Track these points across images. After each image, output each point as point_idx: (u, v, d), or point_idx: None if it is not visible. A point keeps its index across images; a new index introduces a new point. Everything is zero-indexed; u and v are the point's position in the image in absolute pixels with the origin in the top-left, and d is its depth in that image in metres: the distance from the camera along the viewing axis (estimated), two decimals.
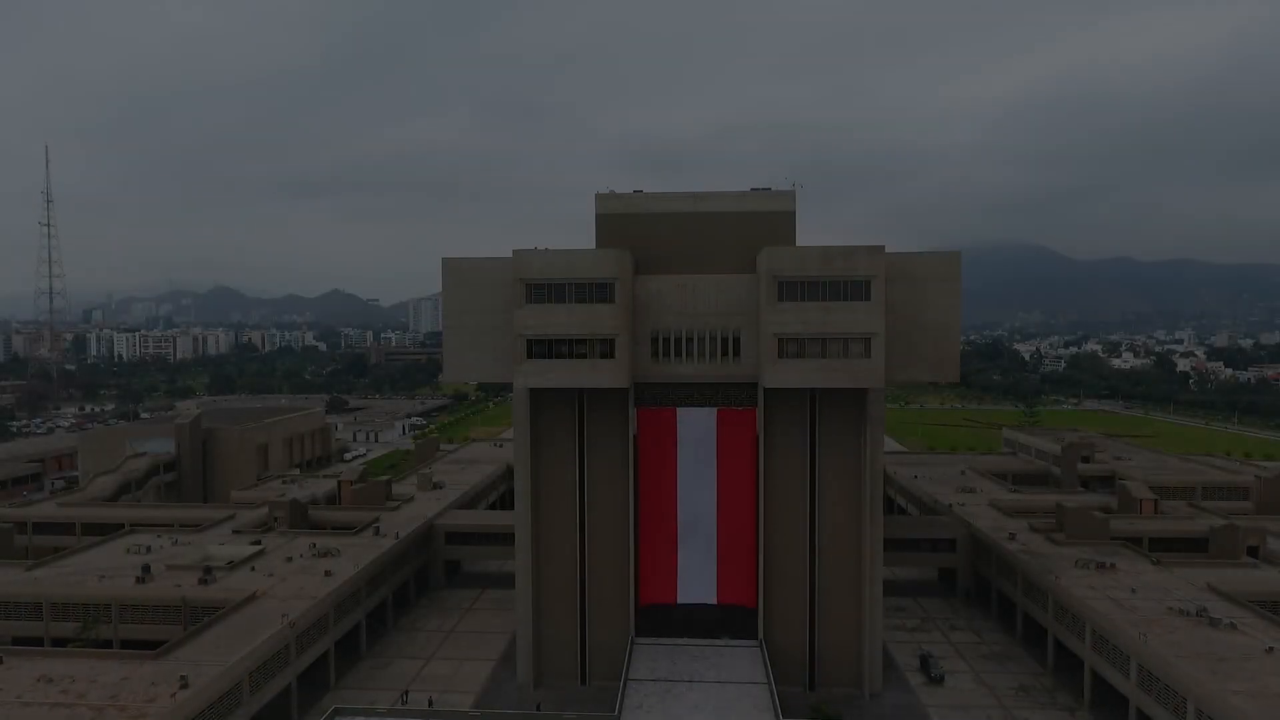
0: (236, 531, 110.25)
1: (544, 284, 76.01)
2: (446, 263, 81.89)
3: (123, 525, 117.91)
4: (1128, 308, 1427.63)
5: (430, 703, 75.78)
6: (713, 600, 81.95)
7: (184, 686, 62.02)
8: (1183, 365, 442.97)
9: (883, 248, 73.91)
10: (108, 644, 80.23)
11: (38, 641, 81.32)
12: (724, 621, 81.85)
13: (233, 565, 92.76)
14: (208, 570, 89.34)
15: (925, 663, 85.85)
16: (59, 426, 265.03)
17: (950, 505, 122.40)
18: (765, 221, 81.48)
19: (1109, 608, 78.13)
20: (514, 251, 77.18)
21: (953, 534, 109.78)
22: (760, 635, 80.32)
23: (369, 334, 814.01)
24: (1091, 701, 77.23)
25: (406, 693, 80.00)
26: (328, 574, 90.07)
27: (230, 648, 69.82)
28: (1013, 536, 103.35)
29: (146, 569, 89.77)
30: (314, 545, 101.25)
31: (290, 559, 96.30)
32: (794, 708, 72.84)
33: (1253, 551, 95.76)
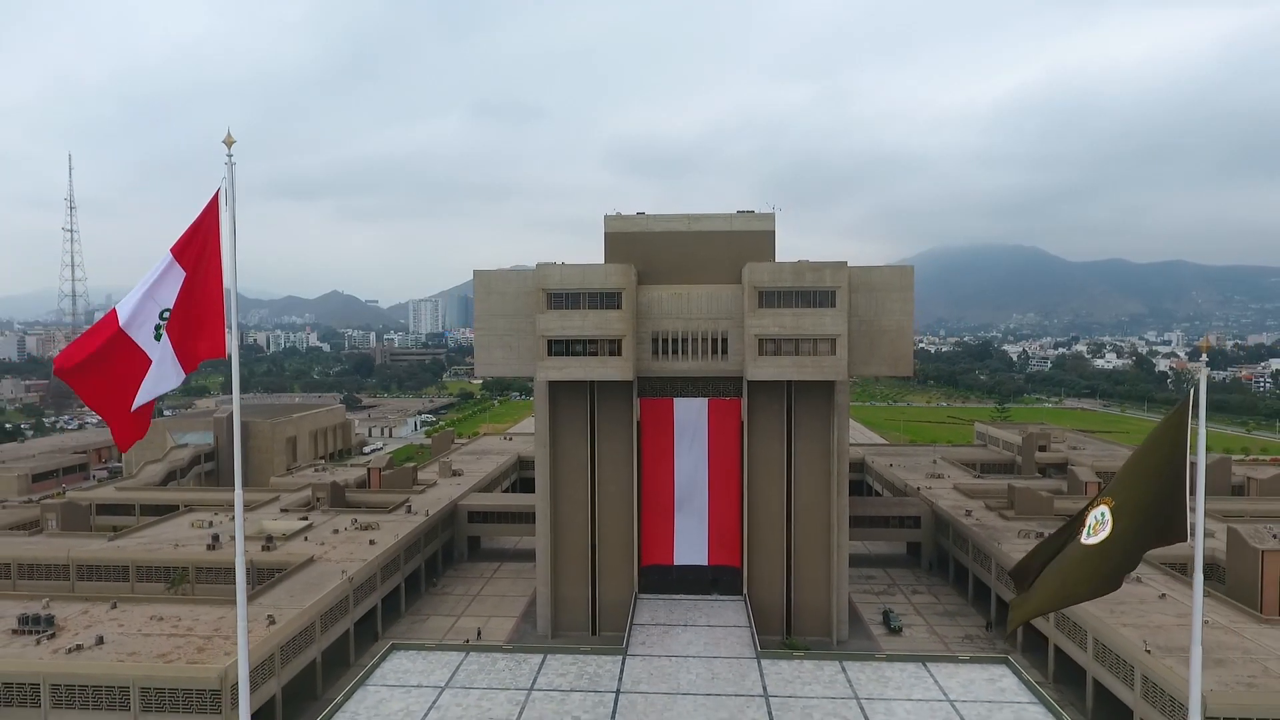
0: (284, 510, 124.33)
1: (562, 293, 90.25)
2: (478, 274, 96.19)
3: (177, 506, 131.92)
4: (1121, 309, 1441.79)
5: (479, 633, 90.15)
6: (704, 562, 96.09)
7: (272, 623, 76.10)
8: (1162, 365, 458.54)
9: (845, 263, 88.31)
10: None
11: None
12: (714, 580, 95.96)
13: (288, 536, 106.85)
14: (269, 539, 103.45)
15: (887, 617, 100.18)
16: (88, 423, 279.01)
17: (919, 489, 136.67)
18: (749, 240, 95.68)
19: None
20: (537, 265, 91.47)
21: (918, 512, 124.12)
22: (745, 591, 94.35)
23: (372, 335, 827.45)
24: (1022, 645, 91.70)
25: (469, 640, 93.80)
26: (372, 543, 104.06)
27: (302, 597, 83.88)
28: (969, 513, 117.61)
29: (216, 538, 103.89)
30: (355, 520, 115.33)
31: (336, 531, 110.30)
32: (772, 648, 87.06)
33: None
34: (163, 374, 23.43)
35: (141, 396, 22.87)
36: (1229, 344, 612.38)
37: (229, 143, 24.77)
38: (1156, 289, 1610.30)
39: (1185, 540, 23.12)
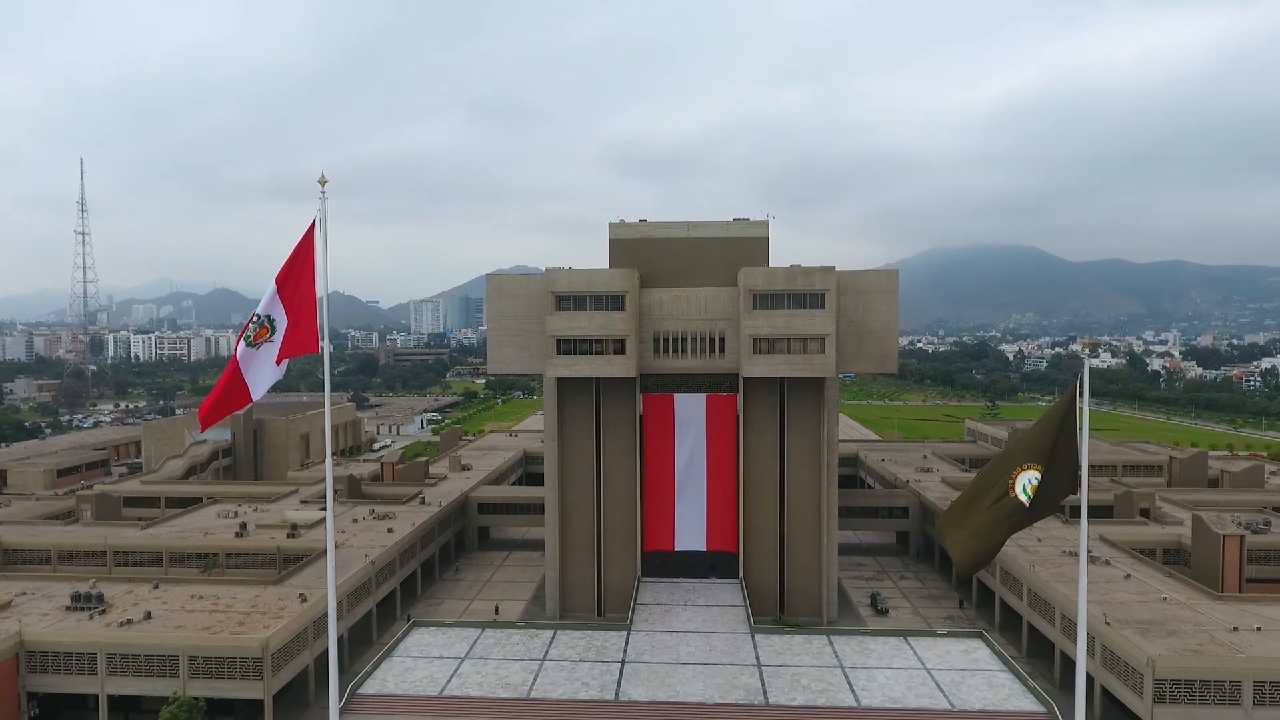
0: (304, 501, 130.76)
1: (570, 296, 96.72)
2: (490, 278, 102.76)
3: (200, 499, 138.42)
4: (1120, 309, 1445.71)
5: (497, 610, 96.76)
6: (703, 547, 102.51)
7: (303, 600, 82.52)
8: (1156, 365, 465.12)
9: (834, 268, 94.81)
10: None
11: None
12: (712, 564, 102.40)
13: (311, 525, 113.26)
14: (294, 527, 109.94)
15: (874, 600, 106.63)
16: (102, 422, 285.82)
17: (908, 481, 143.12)
18: (744, 245, 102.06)
19: (1016, 551, 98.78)
20: (546, 270, 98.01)
21: (907, 503, 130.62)
22: (740, 575, 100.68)
23: (374, 335, 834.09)
24: (1000, 625, 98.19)
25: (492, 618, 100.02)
26: (390, 531, 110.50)
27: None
28: None
29: (244, 526, 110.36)
30: (373, 510, 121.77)
31: (356, 520, 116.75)
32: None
33: (1145, 512, 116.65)
34: (272, 369, 30.14)
35: (263, 384, 29.63)
36: (1223, 343, 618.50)
37: (323, 182, 31.08)
38: (1155, 289, 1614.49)
39: (1075, 492, 29.59)
